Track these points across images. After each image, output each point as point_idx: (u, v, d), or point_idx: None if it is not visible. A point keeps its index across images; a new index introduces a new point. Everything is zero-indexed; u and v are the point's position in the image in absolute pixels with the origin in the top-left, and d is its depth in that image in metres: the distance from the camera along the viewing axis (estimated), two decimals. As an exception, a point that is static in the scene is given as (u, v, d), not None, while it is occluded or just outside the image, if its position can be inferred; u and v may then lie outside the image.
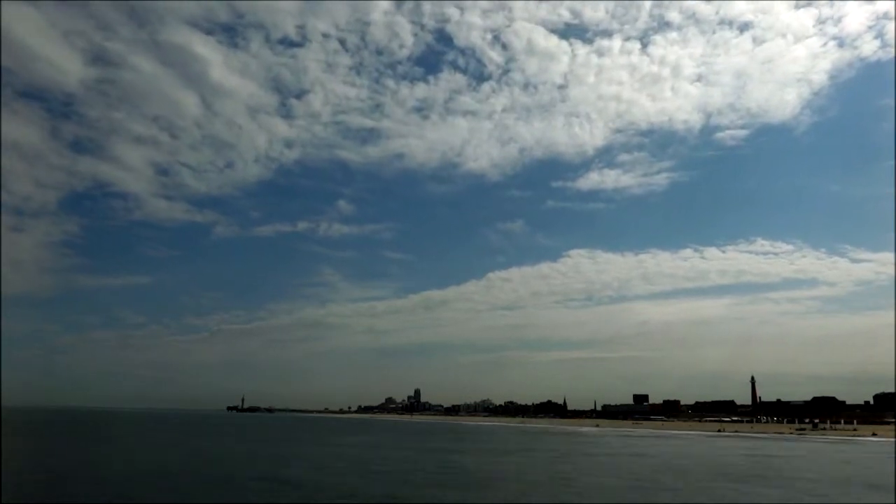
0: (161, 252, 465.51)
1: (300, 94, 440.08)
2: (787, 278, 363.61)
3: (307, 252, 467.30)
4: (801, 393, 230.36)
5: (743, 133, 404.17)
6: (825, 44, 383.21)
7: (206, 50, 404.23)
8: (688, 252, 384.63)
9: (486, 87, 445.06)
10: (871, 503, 32.33)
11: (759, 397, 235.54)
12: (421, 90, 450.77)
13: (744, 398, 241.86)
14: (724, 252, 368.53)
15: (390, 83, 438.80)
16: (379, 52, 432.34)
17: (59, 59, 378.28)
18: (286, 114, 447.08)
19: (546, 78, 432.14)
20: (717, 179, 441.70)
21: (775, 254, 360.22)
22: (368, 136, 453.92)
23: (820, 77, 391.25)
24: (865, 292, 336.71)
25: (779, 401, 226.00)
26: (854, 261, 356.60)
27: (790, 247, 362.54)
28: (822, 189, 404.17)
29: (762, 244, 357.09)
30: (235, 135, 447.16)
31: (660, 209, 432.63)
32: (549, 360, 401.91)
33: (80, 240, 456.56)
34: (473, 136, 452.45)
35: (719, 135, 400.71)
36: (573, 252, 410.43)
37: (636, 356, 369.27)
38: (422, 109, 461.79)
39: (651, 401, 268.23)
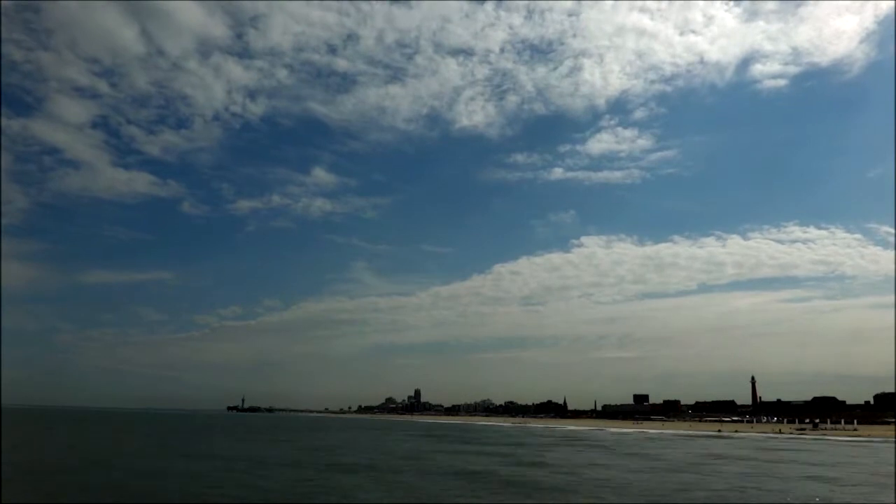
0: (133, 235, 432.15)
1: (256, 20, 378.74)
2: (808, 272, 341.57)
3: (292, 238, 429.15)
4: (803, 392, 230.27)
5: (782, 83, 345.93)
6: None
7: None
8: (710, 240, 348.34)
9: (481, 15, 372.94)
10: (871, 503, 32.24)
11: (760, 397, 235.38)
12: (402, 17, 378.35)
13: (744, 398, 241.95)
14: (747, 240, 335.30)
15: (363, 5, 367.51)
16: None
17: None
18: (242, 51, 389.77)
19: (553, 2, 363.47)
20: (748, 143, 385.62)
21: (804, 241, 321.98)
22: (342, 83, 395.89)
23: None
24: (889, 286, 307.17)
25: (779, 401, 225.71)
26: (888, 247, 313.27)
27: (823, 232, 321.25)
28: (866, 155, 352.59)
29: (791, 230, 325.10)
30: (188, 83, 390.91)
31: (681, 184, 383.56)
32: (552, 359, 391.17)
33: (43, 221, 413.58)
34: (466, 83, 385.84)
35: (755, 85, 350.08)
36: (585, 239, 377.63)
37: (638, 356, 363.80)
38: (405, 45, 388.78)
39: (651, 401, 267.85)
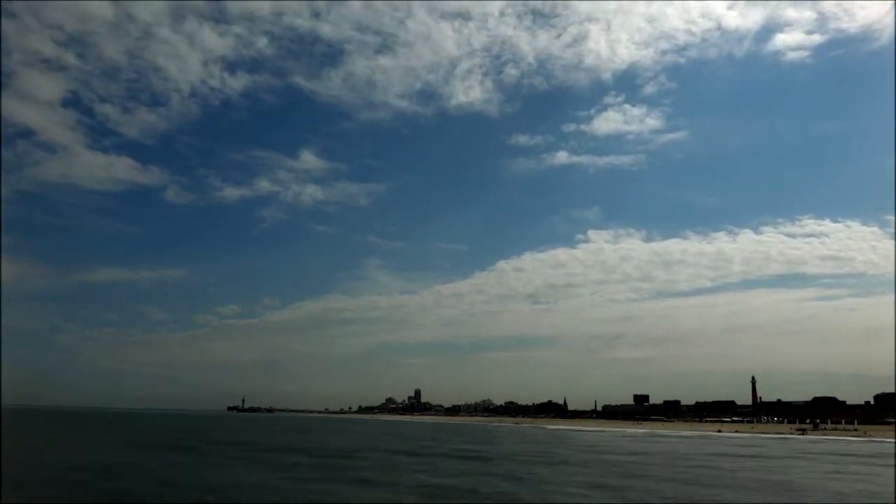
0: (120, 227, 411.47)
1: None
2: (822, 268, 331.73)
3: (287, 232, 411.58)
4: (807, 393, 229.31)
5: (805, 54, 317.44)
6: None
7: None
8: (720, 235, 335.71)
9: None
10: (868, 503, 31.88)
11: (760, 397, 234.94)
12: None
13: (745, 398, 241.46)
14: (759, 234, 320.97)
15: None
16: None
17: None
18: (218, 15, 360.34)
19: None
20: (763, 124, 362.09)
21: (817, 236, 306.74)
22: (328, 52, 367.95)
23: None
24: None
25: (779, 401, 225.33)
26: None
27: (838, 226, 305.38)
28: (886, 138, 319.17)
29: (806, 223, 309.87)
30: (160, 52, 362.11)
31: (691, 171, 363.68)
32: (558, 359, 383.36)
33: (25, 212, 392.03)
34: (463, 53, 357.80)
35: (776, 56, 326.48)
36: (592, 234, 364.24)
37: (647, 356, 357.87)
38: (396, 8, 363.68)
39: (651, 401, 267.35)
